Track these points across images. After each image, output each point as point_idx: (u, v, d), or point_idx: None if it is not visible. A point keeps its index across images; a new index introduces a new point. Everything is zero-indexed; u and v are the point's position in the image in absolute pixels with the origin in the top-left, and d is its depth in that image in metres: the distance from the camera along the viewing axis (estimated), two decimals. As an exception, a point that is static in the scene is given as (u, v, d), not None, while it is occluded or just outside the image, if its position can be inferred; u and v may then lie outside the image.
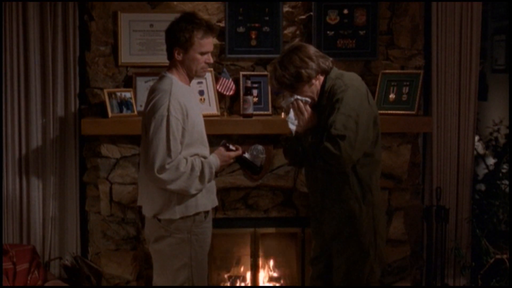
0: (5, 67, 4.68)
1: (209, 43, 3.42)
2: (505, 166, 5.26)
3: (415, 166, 4.91)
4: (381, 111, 4.49)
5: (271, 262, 5.03)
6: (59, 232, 4.83)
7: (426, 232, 5.01)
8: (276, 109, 4.75)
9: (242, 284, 4.96)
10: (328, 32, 4.74)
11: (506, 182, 5.15)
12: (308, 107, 3.40)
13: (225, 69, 4.66)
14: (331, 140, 3.24)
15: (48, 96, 4.73)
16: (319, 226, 3.57)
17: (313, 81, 3.39)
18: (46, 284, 4.54)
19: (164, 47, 3.46)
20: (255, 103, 4.66)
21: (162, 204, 3.38)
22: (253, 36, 4.72)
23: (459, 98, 4.94)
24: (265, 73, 4.73)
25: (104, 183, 4.60)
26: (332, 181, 3.41)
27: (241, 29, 4.71)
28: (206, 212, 3.48)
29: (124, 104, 4.56)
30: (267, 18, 4.71)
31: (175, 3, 4.65)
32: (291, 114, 3.45)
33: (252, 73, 4.74)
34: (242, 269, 5.01)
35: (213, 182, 3.52)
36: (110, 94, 4.54)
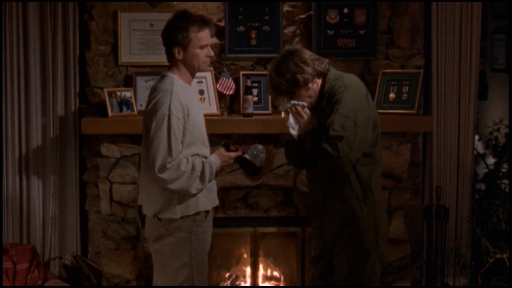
0: (5, 67, 4.67)
1: (206, 35, 3.41)
2: (505, 166, 5.26)
3: (415, 165, 4.91)
4: (381, 111, 4.50)
5: (271, 262, 5.03)
6: (59, 232, 4.83)
7: (426, 232, 5.01)
8: (276, 109, 4.75)
9: (242, 284, 4.96)
10: (328, 31, 4.74)
11: (506, 181, 5.15)
12: (306, 110, 3.40)
13: (225, 69, 4.66)
14: (329, 141, 3.24)
15: (48, 95, 4.73)
16: (320, 226, 3.57)
17: (310, 85, 3.38)
18: (46, 284, 4.54)
19: (164, 46, 3.47)
20: (255, 103, 4.66)
21: (162, 203, 3.38)
22: (253, 36, 4.72)
23: (459, 97, 4.93)
24: (265, 72, 4.72)
25: (104, 182, 4.60)
26: (333, 181, 3.41)
27: (241, 29, 4.71)
28: (207, 212, 3.49)
29: (124, 103, 4.56)
30: (267, 17, 4.70)
31: (175, 2, 4.65)
32: (291, 119, 3.45)
33: (252, 72, 4.75)
34: (242, 268, 5.01)
35: (213, 182, 3.52)
36: (110, 94, 4.54)
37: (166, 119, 3.27)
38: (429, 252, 4.99)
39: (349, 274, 3.45)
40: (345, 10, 4.74)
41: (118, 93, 4.57)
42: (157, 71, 4.44)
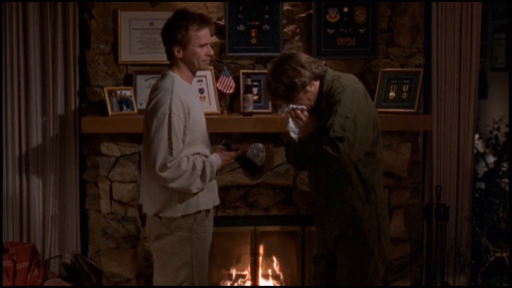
0: (5, 66, 4.67)
1: (205, 34, 3.42)
2: (505, 164, 5.26)
3: (415, 164, 4.91)
4: (381, 110, 4.50)
5: (271, 260, 5.03)
6: (59, 230, 4.83)
7: (426, 230, 5.01)
8: (276, 107, 4.75)
9: (242, 283, 4.96)
10: (328, 30, 4.74)
11: (506, 180, 5.15)
12: (306, 113, 3.40)
13: (225, 67, 4.66)
14: (330, 143, 3.23)
15: (48, 94, 4.73)
16: (323, 226, 3.57)
17: (308, 88, 3.37)
18: (46, 283, 4.54)
19: (164, 45, 3.47)
20: (255, 101, 4.66)
21: (163, 202, 3.38)
22: (253, 34, 4.72)
23: (459, 96, 4.94)
24: (265, 71, 4.72)
25: (104, 181, 4.60)
26: (335, 182, 3.40)
27: (241, 27, 4.71)
28: (207, 211, 3.49)
29: (124, 102, 4.56)
30: (267, 16, 4.70)
31: (175, 1, 4.65)
32: (291, 123, 3.45)
33: (252, 71, 4.75)
34: (242, 267, 5.01)
35: (214, 181, 3.52)
36: (110, 92, 4.54)
37: (167, 118, 3.27)
38: (429, 251, 4.99)
39: (351, 273, 3.45)
40: (345, 9, 4.74)
41: (118, 92, 4.56)
42: (157, 70, 4.45)
